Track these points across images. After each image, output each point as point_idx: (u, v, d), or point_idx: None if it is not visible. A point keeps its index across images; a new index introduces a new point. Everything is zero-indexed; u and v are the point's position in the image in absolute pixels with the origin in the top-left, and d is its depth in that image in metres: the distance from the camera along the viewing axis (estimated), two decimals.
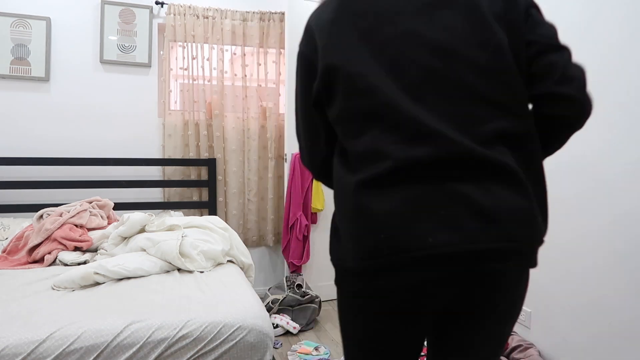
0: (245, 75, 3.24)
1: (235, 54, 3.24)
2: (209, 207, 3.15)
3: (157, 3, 3.06)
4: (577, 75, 0.83)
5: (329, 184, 1.04)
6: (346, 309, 0.92)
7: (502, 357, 1.95)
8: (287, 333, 2.63)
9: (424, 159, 0.77)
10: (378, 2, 0.85)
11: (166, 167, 3.13)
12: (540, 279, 1.97)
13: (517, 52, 0.83)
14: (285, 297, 2.71)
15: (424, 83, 0.80)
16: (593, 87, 1.69)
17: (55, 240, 2.29)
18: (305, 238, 3.03)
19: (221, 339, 1.44)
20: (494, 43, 0.81)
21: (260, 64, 3.26)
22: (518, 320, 2.08)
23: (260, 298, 2.53)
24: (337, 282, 0.94)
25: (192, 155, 3.13)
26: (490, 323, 0.87)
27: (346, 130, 0.86)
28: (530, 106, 0.87)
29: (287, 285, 2.83)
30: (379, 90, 0.81)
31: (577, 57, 1.73)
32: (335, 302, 3.03)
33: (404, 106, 0.79)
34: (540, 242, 0.83)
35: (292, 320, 2.65)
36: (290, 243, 3.01)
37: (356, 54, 0.83)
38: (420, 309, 0.84)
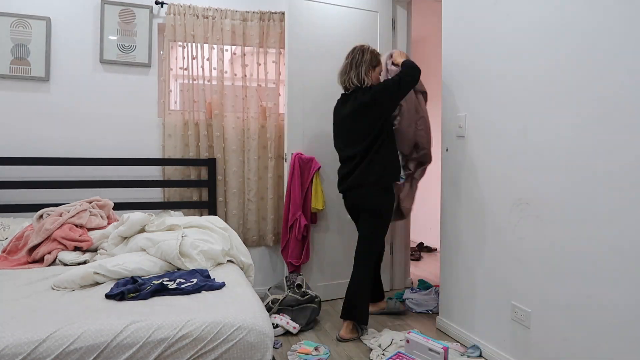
0: (245, 75, 3.24)
1: (235, 54, 3.24)
2: (209, 207, 3.15)
3: (157, 3, 3.06)
4: None
5: None
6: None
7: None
8: (287, 333, 2.63)
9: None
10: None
11: (166, 167, 3.13)
12: (540, 279, 1.97)
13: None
14: (285, 297, 2.71)
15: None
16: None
17: (55, 240, 2.29)
18: (305, 238, 3.03)
19: (221, 339, 1.44)
20: None
21: (260, 64, 3.26)
22: (518, 320, 2.09)
23: (260, 298, 2.54)
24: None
25: (192, 155, 3.13)
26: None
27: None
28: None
29: (287, 285, 2.83)
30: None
31: (579, 56, 1.74)
32: (334, 302, 3.20)
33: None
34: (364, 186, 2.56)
35: (292, 320, 2.65)
36: (289, 243, 3.01)
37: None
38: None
